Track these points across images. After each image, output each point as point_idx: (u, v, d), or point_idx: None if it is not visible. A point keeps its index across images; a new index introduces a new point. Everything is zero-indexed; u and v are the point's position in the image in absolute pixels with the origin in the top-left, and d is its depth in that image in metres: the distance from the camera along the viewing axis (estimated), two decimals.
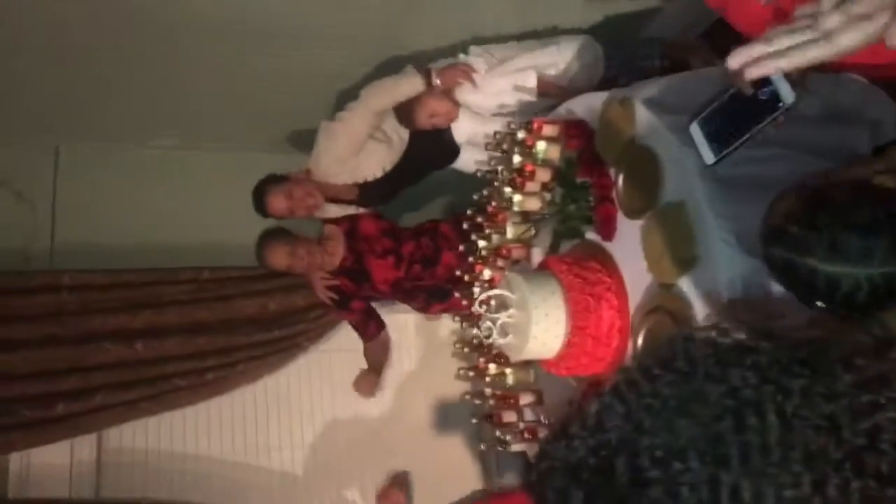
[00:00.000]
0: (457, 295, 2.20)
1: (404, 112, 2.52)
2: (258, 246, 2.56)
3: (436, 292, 2.71)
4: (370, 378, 2.73)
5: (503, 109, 2.52)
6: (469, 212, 2.13)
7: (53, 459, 2.66)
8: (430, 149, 2.64)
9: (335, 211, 2.72)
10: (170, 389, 2.67)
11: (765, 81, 1.20)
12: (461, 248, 2.17)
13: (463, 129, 2.59)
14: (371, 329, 2.75)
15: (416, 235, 2.73)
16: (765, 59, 0.73)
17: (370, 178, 2.64)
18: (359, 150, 2.56)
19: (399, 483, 2.89)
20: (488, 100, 2.50)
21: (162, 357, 2.67)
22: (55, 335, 2.57)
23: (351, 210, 2.73)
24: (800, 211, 1.04)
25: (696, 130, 1.32)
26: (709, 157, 1.30)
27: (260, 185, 2.58)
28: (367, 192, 2.69)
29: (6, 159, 2.86)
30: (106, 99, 2.72)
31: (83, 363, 2.57)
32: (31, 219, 2.84)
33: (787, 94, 1.17)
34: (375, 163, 2.61)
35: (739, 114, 1.28)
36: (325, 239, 2.66)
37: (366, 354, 2.75)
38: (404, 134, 2.62)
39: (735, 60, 0.74)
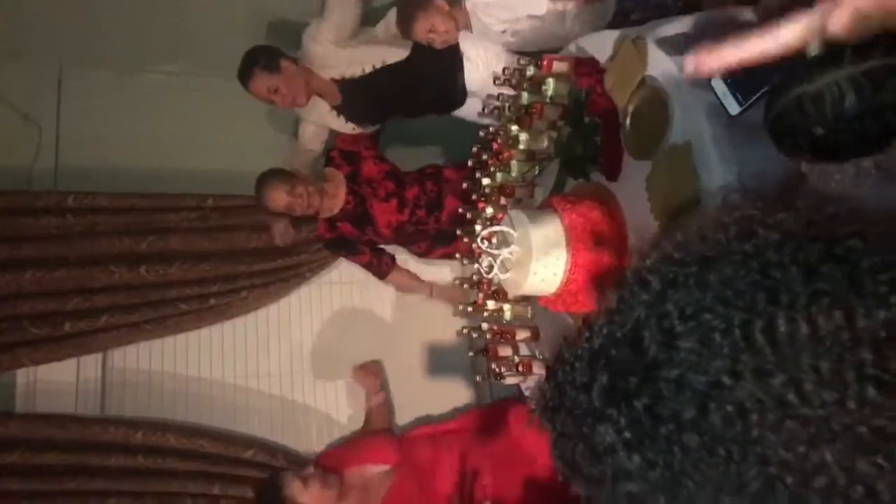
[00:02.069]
0: (464, 240, 2.20)
1: (406, 16, 2.42)
2: (257, 187, 2.56)
3: (440, 237, 2.72)
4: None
5: (512, 40, 2.47)
6: (474, 149, 2.12)
7: (60, 377, 2.73)
8: (434, 76, 2.56)
9: (323, 110, 2.65)
10: (173, 313, 2.72)
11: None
12: (465, 185, 2.17)
13: (477, 79, 2.54)
14: (385, 266, 2.77)
15: (419, 180, 2.72)
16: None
17: (357, 74, 2.54)
18: (348, 31, 2.49)
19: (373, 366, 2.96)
20: (497, 26, 2.45)
21: (166, 282, 2.71)
22: (61, 256, 2.61)
23: (335, 123, 2.66)
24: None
25: (717, 83, 1.30)
26: (733, 107, 1.29)
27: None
28: (354, 102, 2.61)
29: (11, 80, 2.84)
30: (108, 22, 2.69)
31: (89, 284, 2.62)
32: (36, 139, 2.84)
33: None
34: (365, 59, 2.52)
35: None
36: (325, 180, 2.65)
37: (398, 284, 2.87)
38: (402, 45, 2.53)
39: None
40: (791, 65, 1.13)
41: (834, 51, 0.90)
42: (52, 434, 2.56)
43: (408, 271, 2.87)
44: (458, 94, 2.60)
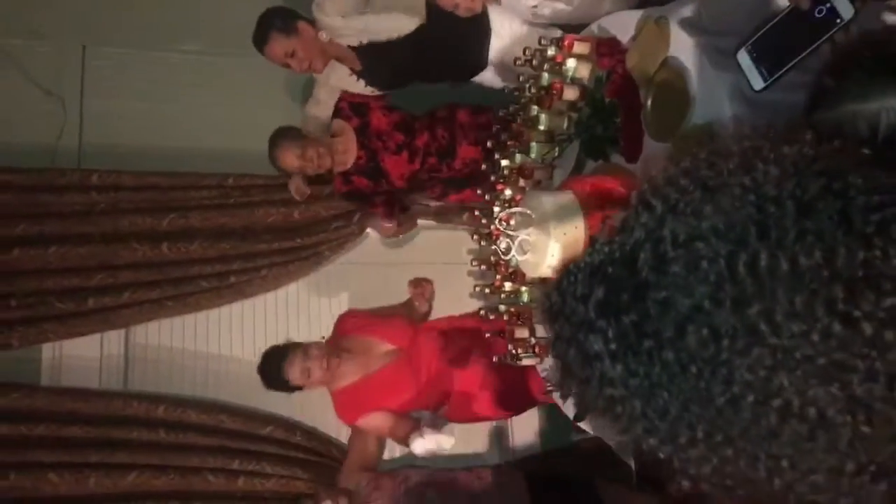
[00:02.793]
0: (477, 192, 2.18)
1: None
2: (270, 146, 2.57)
3: (452, 182, 2.72)
4: None
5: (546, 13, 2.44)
6: (494, 129, 2.11)
7: (84, 352, 2.79)
8: (456, 45, 2.52)
9: (342, 74, 2.63)
10: (194, 290, 2.76)
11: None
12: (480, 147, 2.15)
13: (499, 48, 2.51)
14: (398, 210, 2.80)
15: (430, 125, 2.69)
16: None
17: (374, 40, 2.50)
18: (351, 4, 2.46)
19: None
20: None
21: (187, 259, 2.74)
22: (85, 233, 2.65)
23: (355, 87, 2.65)
24: (834, 64, 1.01)
25: (743, 57, 1.29)
26: (757, 82, 1.28)
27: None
28: (375, 68, 2.59)
29: (36, 57, 2.87)
30: (131, 1, 2.70)
31: (112, 261, 2.66)
32: (61, 117, 2.87)
33: (846, 8, 1.13)
34: (381, 27, 2.48)
35: (791, 35, 1.24)
36: (335, 135, 2.64)
37: None
38: (420, 5, 2.48)
39: None
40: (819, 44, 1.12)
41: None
42: (77, 407, 2.62)
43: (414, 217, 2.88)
44: (481, 61, 2.57)
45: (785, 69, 1.21)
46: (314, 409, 2.98)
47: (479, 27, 2.49)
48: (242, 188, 2.87)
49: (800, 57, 1.18)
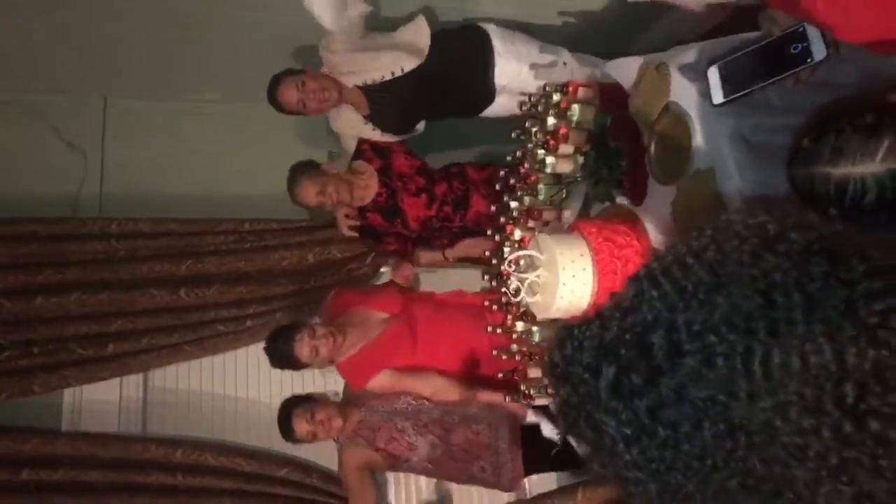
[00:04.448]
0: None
1: None
2: (289, 180, 2.60)
3: (462, 234, 2.77)
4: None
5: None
6: (502, 173, 2.16)
7: (103, 396, 2.84)
8: (461, 76, 2.57)
9: (351, 118, 2.69)
10: (211, 335, 2.80)
11: (799, 36, 1.23)
12: (492, 207, 2.20)
13: (507, 71, 2.56)
14: (411, 249, 2.83)
15: (446, 177, 2.75)
16: None
17: (378, 79, 2.57)
18: (356, 33, 2.52)
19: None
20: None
21: (204, 304, 2.79)
22: (105, 280, 2.71)
23: (367, 131, 2.71)
24: (811, 125, 1.06)
25: (713, 73, 1.37)
26: (718, 97, 1.36)
27: (274, 78, 2.56)
28: (382, 110, 2.65)
29: (58, 107, 2.97)
30: (149, 55, 2.80)
31: (131, 307, 2.71)
32: (82, 167, 2.96)
33: (819, 50, 1.20)
34: (384, 65, 2.55)
35: (762, 64, 1.31)
36: (356, 173, 2.69)
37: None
38: (423, 43, 2.54)
39: None
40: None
41: (871, 143, 0.94)
42: (96, 451, 2.65)
43: (429, 251, 2.91)
44: (487, 92, 2.62)
45: (743, 92, 1.29)
46: (329, 449, 2.99)
47: (481, 57, 2.56)
48: (257, 233, 2.93)
49: (760, 84, 1.25)
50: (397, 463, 2.58)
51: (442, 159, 2.93)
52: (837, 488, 0.52)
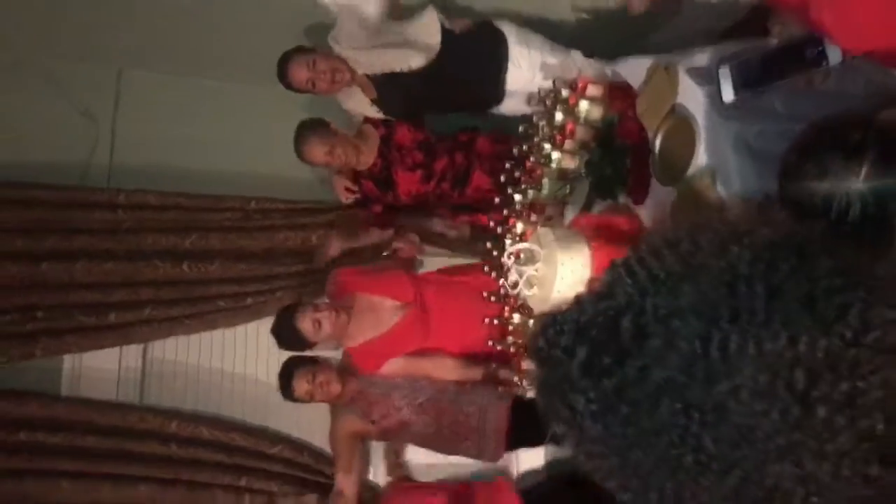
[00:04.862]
0: (488, 220, 2.24)
1: None
2: (297, 137, 2.59)
3: (461, 208, 2.78)
4: None
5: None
6: (508, 165, 2.17)
7: (103, 364, 2.87)
8: (471, 77, 2.55)
9: (360, 101, 2.70)
10: (212, 310, 2.83)
11: (816, 40, 1.24)
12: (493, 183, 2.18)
13: (518, 78, 2.53)
14: (394, 221, 2.84)
15: (450, 149, 2.73)
16: None
17: (387, 70, 2.57)
18: (361, 38, 2.52)
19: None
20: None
21: (206, 279, 2.82)
22: (111, 249, 2.74)
23: (373, 112, 2.71)
24: (799, 142, 1.08)
25: (724, 72, 1.39)
26: (728, 94, 1.37)
27: (285, 55, 2.56)
28: (389, 98, 2.66)
29: (72, 76, 2.99)
30: (166, 29, 2.82)
31: (134, 278, 2.75)
32: (93, 136, 2.98)
33: (835, 55, 1.21)
34: (393, 59, 2.54)
35: (776, 64, 1.32)
36: (360, 136, 2.70)
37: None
38: (433, 41, 2.53)
39: None
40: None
41: (855, 160, 0.97)
42: (94, 418, 2.69)
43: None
44: (497, 95, 2.60)
45: (754, 89, 1.30)
46: (323, 429, 3.02)
47: (494, 60, 2.54)
48: (263, 212, 2.95)
49: (772, 83, 1.26)
50: (388, 436, 2.64)
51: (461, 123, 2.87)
52: (784, 469, 0.55)
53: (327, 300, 2.68)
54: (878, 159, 0.97)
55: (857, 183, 0.97)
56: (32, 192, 2.75)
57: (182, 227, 2.86)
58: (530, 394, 2.06)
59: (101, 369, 2.87)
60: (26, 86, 2.92)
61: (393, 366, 2.58)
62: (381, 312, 2.57)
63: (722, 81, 1.36)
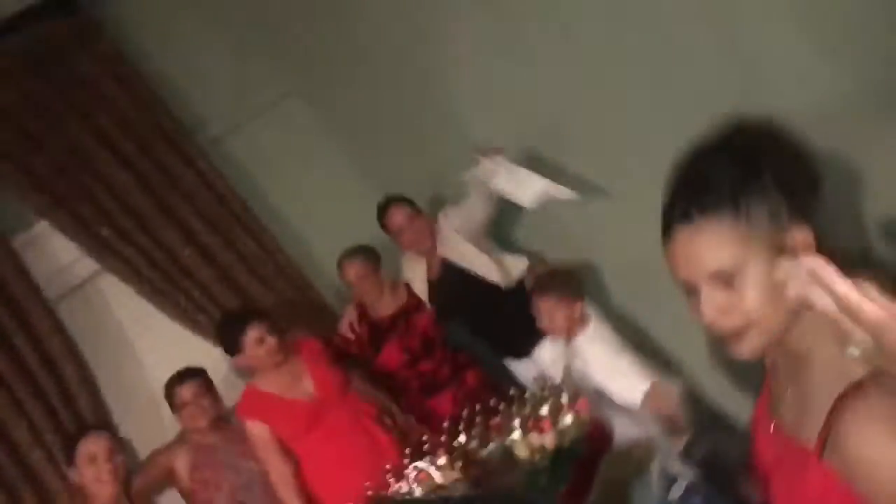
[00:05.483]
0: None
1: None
2: (351, 248, 2.77)
3: (412, 411, 2.72)
4: None
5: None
6: (477, 407, 2.18)
7: None
8: (514, 324, 2.59)
9: (418, 273, 2.79)
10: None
11: None
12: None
13: (542, 360, 2.56)
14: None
15: (443, 360, 2.76)
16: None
17: (465, 266, 2.67)
18: (471, 229, 2.65)
19: None
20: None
21: (188, 270, 2.94)
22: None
23: (421, 292, 2.80)
24: None
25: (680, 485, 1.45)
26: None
27: (391, 197, 2.74)
28: (442, 285, 2.75)
29: None
30: None
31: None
32: None
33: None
34: (482, 263, 2.65)
35: None
36: (392, 287, 2.80)
37: None
38: (511, 277, 2.63)
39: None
40: None
41: None
42: None
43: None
44: (520, 352, 2.67)
45: None
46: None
47: (533, 338, 2.60)
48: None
49: None
50: (189, 497, 2.46)
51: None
52: None
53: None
54: None
55: None
56: None
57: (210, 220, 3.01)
58: None
59: None
60: None
61: (257, 430, 2.42)
62: (295, 381, 2.48)
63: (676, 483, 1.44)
